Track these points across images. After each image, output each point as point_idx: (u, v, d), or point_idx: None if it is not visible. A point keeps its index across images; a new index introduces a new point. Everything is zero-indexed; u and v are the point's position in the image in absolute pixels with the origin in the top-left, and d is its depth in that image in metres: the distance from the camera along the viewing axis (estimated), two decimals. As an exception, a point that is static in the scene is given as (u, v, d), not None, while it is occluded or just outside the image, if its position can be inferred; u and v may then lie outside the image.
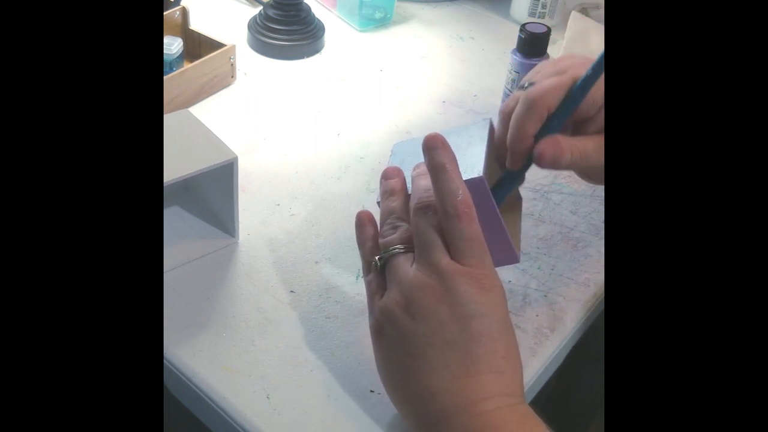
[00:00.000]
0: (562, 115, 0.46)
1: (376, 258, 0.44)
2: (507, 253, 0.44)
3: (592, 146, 0.46)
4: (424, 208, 0.42)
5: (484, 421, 0.38)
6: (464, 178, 0.42)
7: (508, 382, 0.39)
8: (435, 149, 0.42)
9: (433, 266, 0.40)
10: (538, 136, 0.45)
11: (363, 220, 0.46)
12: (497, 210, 0.43)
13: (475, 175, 0.43)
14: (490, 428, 0.37)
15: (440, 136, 0.42)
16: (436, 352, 0.39)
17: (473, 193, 0.42)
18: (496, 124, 0.49)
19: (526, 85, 0.48)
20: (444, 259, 0.40)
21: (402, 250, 0.42)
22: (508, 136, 0.46)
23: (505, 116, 0.47)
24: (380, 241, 0.44)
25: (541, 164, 0.45)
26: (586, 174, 0.50)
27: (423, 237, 0.41)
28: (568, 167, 0.46)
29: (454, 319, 0.40)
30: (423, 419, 0.40)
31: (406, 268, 0.41)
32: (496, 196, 0.46)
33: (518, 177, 0.47)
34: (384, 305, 0.42)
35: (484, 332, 0.39)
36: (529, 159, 0.46)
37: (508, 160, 0.47)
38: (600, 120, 0.47)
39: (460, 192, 0.41)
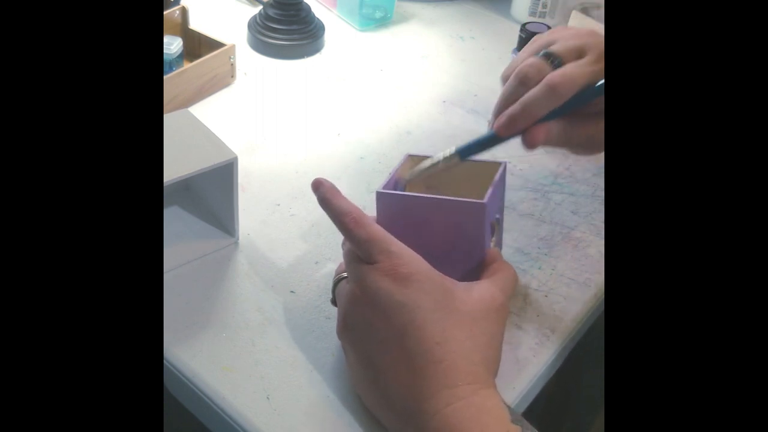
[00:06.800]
0: (571, 106, 0.47)
1: (332, 295, 0.47)
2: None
3: (584, 134, 0.49)
4: (344, 240, 0.45)
5: (437, 423, 0.37)
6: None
7: (449, 370, 0.38)
8: (317, 189, 0.46)
9: (352, 276, 0.42)
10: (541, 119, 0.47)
11: (340, 264, 0.48)
12: (488, 238, 0.46)
13: (475, 201, 0.44)
14: (445, 430, 0.37)
15: (319, 178, 0.46)
16: (378, 355, 0.40)
17: (471, 215, 0.44)
18: (510, 79, 0.50)
19: (542, 53, 0.49)
20: (358, 266, 0.42)
21: (344, 276, 0.45)
22: (516, 108, 0.47)
23: (522, 82, 0.48)
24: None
25: (528, 147, 0.48)
26: (570, 150, 0.53)
27: (346, 258, 0.44)
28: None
29: (378, 317, 0.40)
30: (392, 425, 0.40)
31: (345, 289, 0.43)
32: (473, 150, 0.48)
33: (500, 142, 0.49)
34: (336, 328, 0.44)
35: (407, 322, 0.39)
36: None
37: (502, 125, 0.48)
38: (599, 105, 0.48)
39: (344, 209, 0.43)
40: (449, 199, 0.45)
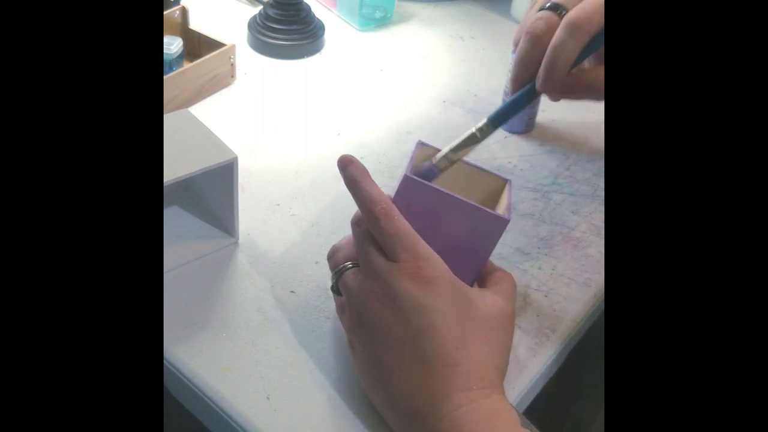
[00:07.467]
0: (596, 45, 0.45)
1: (332, 282, 0.45)
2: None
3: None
4: (357, 222, 0.43)
5: (448, 424, 0.37)
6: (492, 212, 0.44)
7: (464, 374, 0.38)
8: (346, 167, 0.43)
9: (371, 271, 0.41)
10: (575, 62, 0.45)
11: (335, 247, 0.47)
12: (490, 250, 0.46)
13: (502, 215, 0.44)
14: (456, 431, 0.37)
15: (349, 156, 0.43)
16: (392, 355, 0.40)
17: (491, 227, 0.44)
18: (521, 43, 0.48)
19: (548, 5, 0.47)
20: (379, 262, 0.41)
21: (350, 266, 0.44)
22: (546, 62, 0.45)
23: (536, 38, 0.46)
24: (331, 267, 0.46)
25: (569, 97, 0.46)
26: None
27: (359, 247, 0.43)
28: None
29: (397, 317, 0.40)
30: (398, 425, 0.40)
31: (353, 281, 0.42)
32: (505, 115, 0.47)
33: (528, 102, 0.48)
34: (345, 322, 0.43)
35: (428, 325, 0.39)
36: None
37: (544, 82, 0.46)
38: None
39: (375, 196, 0.42)
40: (476, 206, 0.44)
